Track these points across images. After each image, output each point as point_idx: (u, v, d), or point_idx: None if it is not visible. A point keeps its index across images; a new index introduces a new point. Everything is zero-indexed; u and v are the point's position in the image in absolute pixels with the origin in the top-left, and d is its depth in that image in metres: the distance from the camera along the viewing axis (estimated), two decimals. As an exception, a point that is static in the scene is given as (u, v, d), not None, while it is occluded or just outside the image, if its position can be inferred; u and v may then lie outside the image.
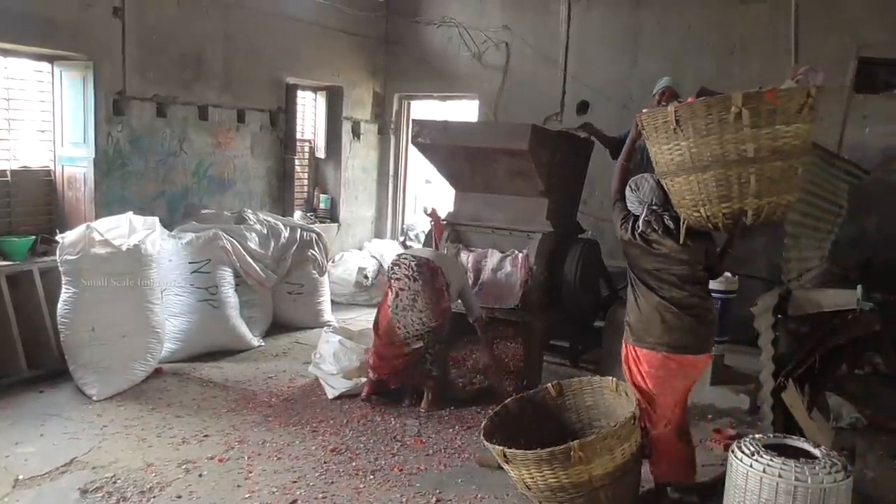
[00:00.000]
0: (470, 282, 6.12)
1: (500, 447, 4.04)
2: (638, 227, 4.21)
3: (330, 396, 5.93)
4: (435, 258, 5.88)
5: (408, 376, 5.79)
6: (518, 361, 6.37)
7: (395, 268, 5.83)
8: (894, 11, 7.22)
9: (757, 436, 3.90)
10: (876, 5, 7.32)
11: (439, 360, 5.87)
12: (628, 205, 4.32)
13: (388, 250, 9.51)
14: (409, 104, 10.69)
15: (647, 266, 4.23)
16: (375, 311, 8.62)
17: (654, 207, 4.18)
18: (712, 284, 5.94)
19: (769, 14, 7.69)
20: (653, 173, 4.25)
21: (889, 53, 7.22)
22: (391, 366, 5.75)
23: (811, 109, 3.69)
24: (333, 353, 6.08)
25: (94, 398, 5.62)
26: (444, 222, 6.66)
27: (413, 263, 5.73)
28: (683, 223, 4.07)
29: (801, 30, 6.07)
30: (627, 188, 4.31)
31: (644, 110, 4.12)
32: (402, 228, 10.65)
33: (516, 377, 6.23)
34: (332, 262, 9.17)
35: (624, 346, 4.41)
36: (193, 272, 6.77)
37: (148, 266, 6.07)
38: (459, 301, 5.96)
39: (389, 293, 5.80)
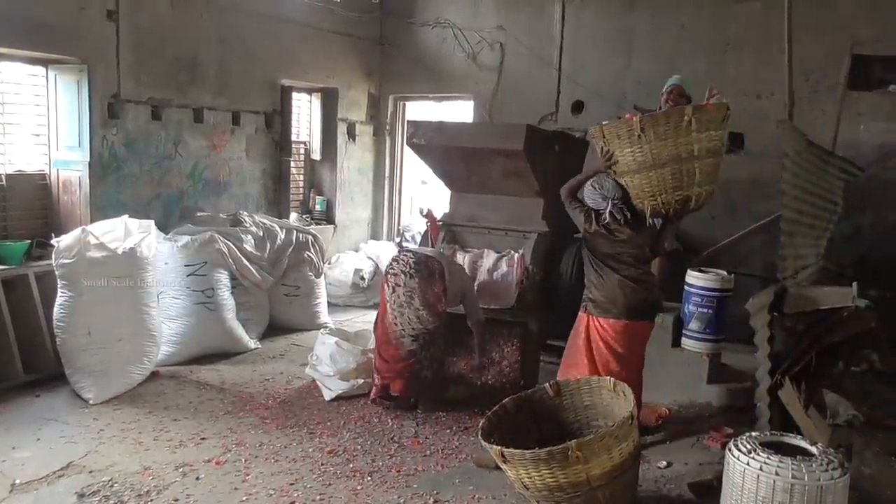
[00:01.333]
0: (474, 286, 6.11)
1: (498, 447, 4.04)
2: (603, 218, 5.03)
3: (327, 398, 5.92)
4: (437, 256, 5.88)
5: (409, 384, 5.73)
6: (514, 363, 6.35)
7: (394, 263, 5.79)
8: (887, 8, 7.24)
9: (754, 434, 3.91)
10: (868, 2, 7.34)
11: (435, 363, 5.87)
12: (589, 201, 5.12)
13: (385, 252, 9.50)
14: (404, 105, 10.68)
15: (607, 251, 5.06)
16: (371, 311, 8.81)
17: (616, 202, 5.00)
18: (708, 283, 6.01)
19: (762, 13, 7.70)
20: (607, 174, 5.10)
21: (882, 50, 7.24)
22: (392, 369, 5.72)
23: (726, 120, 4.87)
24: (330, 355, 6.07)
25: (91, 402, 5.61)
26: (440, 223, 6.66)
27: (412, 260, 5.69)
28: (648, 210, 4.98)
29: (794, 27, 6.07)
30: (590, 187, 5.10)
31: (604, 122, 5.09)
32: (399, 230, 10.65)
33: (513, 378, 6.22)
34: (329, 263, 9.17)
35: (585, 318, 5.17)
36: (189, 275, 6.76)
37: (144, 269, 6.05)
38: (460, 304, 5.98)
39: (386, 287, 5.76)
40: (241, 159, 8.45)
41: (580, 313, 5.24)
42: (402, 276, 5.66)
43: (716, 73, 8.02)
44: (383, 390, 5.79)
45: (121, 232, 6.13)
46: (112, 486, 4.39)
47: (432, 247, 6.56)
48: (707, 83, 7.90)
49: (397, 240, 10.31)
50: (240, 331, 7.11)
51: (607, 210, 4.99)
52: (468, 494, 4.50)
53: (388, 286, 5.75)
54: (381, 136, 10.56)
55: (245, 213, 7.88)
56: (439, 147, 6.41)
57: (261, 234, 7.58)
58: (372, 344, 6.38)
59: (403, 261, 5.73)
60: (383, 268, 8.99)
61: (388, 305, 5.73)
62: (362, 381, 5.99)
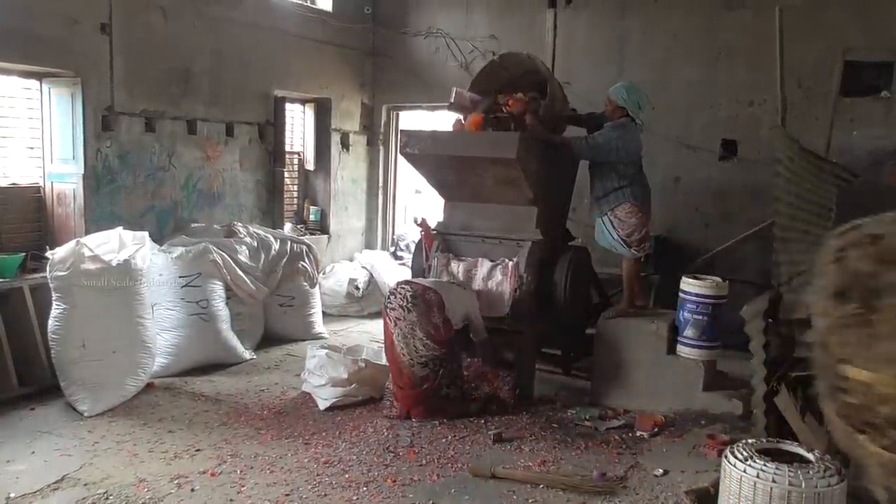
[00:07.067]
0: (477, 305, 6.09)
1: None
2: None
3: (322, 407, 5.91)
4: (436, 287, 5.86)
5: (430, 408, 5.73)
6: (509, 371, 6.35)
7: (391, 297, 5.83)
8: (878, 14, 7.28)
9: (750, 441, 3.90)
10: (859, 8, 7.37)
11: (455, 382, 5.86)
12: None
13: (379, 261, 9.52)
14: (397, 115, 10.69)
15: None
16: (366, 320, 8.84)
17: None
18: (703, 290, 6.00)
19: (754, 20, 7.74)
20: None
21: (874, 56, 7.27)
22: (409, 396, 5.71)
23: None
24: (321, 365, 6.06)
25: (86, 414, 5.59)
26: (434, 232, 6.66)
27: (408, 294, 5.71)
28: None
29: (786, 35, 6.09)
30: None
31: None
32: (393, 239, 10.65)
33: (509, 387, 6.19)
34: (323, 273, 9.16)
35: None
36: (184, 286, 6.74)
37: (138, 281, 6.05)
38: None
39: (389, 321, 5.79)
40: (235, 170, 8.45)
41: None
42: (401, 310, 5.70)
43: (708, 81, 8.07)
44: (405, 414, 5.77)
45: (115, 244, 6.12)
46: (107, 498, 4.37)
47: (427, 256, 6.58)
48: (700, 90, 8.04)
49: (391, 249, 10.30)
50: (234, 342, 7.10)
51: None
52: (464, 504, 4.50)
53: (389, 320, 5.78)
54: (374, 146, 10.56)
55: (239, 224, 7.87)
56: (433, 156, 6.42)
57: (255, 244, 7.57)
58: (365, 354, 6.41)
59: (401, 294, 5.76)
60: (377, 277, 9.08)
61: (393, 337, 5.75)
62: (355, 385, 5.98)
